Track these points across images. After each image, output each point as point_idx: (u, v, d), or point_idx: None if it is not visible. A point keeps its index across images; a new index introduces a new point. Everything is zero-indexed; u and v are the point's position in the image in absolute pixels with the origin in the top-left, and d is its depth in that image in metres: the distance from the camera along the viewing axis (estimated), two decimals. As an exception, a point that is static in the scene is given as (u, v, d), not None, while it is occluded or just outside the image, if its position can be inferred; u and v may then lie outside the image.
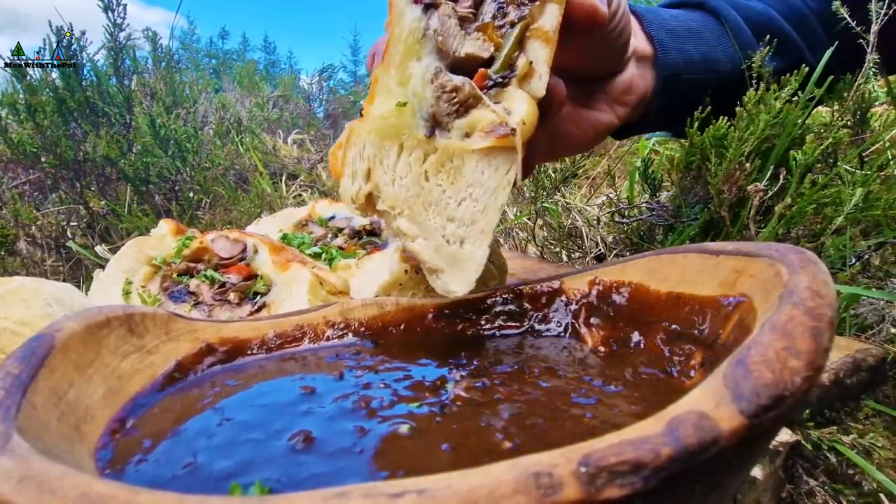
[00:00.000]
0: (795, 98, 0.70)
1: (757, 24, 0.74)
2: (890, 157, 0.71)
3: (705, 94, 0.73)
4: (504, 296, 0.50)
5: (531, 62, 0.44)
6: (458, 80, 0.44)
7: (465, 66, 0.45)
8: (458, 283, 0.45)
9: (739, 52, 0.72)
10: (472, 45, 0.45)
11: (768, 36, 0.73)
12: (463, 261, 0.45)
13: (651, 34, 0.68)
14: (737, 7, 0.75)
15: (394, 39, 0.45)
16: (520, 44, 0.45)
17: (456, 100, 0.43)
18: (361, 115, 0.46)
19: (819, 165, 0.73)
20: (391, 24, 0.45)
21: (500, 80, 0.44)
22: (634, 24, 0.68)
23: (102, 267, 0.77)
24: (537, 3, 0.45)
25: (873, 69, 0.69)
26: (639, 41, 0.67)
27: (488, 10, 0.46)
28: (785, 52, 0.75)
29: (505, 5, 0.45)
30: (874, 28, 0.66)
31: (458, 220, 0.45)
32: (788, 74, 0.70)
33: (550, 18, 0.45)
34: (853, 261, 0.66)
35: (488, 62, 0.45)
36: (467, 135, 0.44)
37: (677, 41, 0.69)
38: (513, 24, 0.45)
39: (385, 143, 0.46)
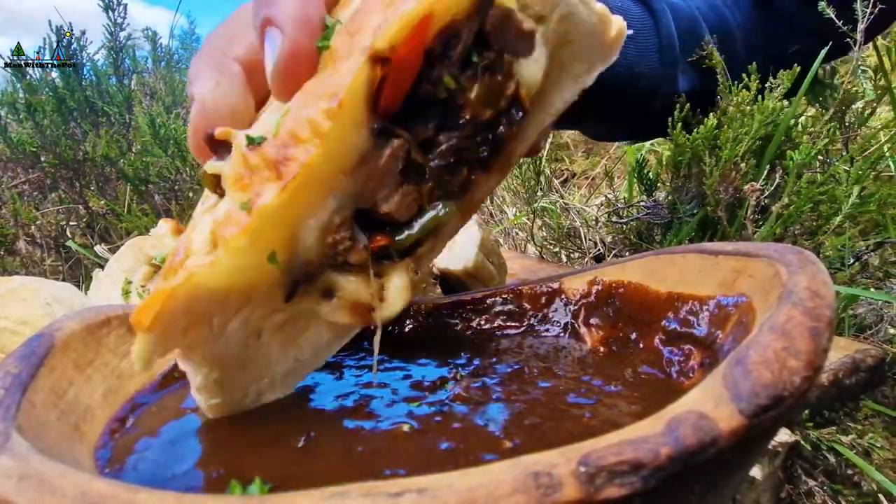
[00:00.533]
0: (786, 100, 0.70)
1: (684, 36, 0.71)
2: (885, 152, 0.71)
3: (616, 99, 0.69)
4: (503, 296, 0.50)
5: (432, 245, 0.38)
6: (360, 238, 0.34)
7: (373, 216, 0.35)
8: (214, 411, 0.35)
9: (665, 68, 0.69)
10: (396, 205, 0.34)
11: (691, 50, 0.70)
12: (244, 404, 0.36)
13: None
14: (677, 14, 0.71)
15: (319, 159, 0.30)
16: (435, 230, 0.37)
17: (341, 257, 0.34)
18: (221, 240, 0.30)
19: (816, 162, 0.73)
20: (328, 135, 0.30)
21: (397, 256, 0.36)
22: None
23: (102, 266, 0.77)
24: (489, 170, 0.37)
25: (861, 68, 0.69)
26: None
27: (438, 158, 0.35)
28: (702, 72, 0.72)
29: (458, 156, 0.35)
30: (861, 27, 0.66)
31: (270, 377, 0.36)
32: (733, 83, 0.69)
33: (486, 188, 0.39)
34: (852, 261, 0.66)
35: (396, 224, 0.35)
36: (328, 291, 0.35)
37: None
38: (452, 195, 0.36)
39: (230, 299, 0.32)
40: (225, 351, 0.33)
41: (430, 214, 0.36)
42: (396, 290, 0.35)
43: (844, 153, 0.71)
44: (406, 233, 0.35)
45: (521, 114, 0.36)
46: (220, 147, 0.33)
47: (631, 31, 0.65)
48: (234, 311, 0.32)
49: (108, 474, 0.30)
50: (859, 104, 0.70)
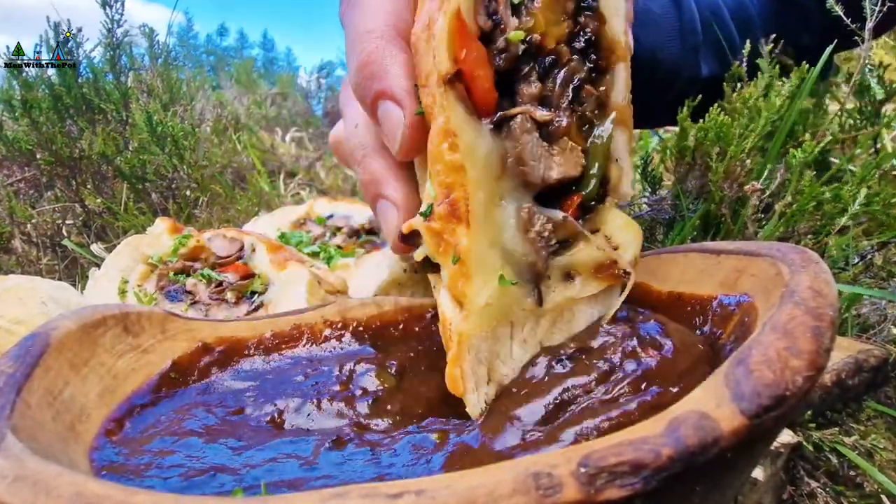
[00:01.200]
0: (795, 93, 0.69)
1: (707, 23, 0.71)
2: (889, 151, 0.71)
3: (637, 85, 0.69)
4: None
5: (617, 160, 0.38)
6: (554, 215, 0.35)
7: (550, 188, 0.36)
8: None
9: (687, 55, 0.70)
10: (562, 165, 0.35)
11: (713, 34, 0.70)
12: None
13: None
14: (699, 1, 0.71)
15: (472, 185, 0.33)
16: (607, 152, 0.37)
17: (554, 242, 0.36)
18: (460, 295, 0.35)
19: (824, 157, 0.72)
20: (463, 163, 0.33)
21: (595, 202, 0.37)
22: None
23: (98, 265, 0.76)
24: (606, 72, 0.37)
25: (869, 66, 0.69)
26: None
27: (559, 98, 0.36)
28: (723, 57, 0.72)
29: (573, 82, 0.35)
30: (869, 25, 0.66)
31: None
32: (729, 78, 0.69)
33: (621, 85, 0.38)
34: (856, 260, 0.66)
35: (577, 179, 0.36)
36: (568, 275, 0.37)
37: (636, 26, 0.66)
38: (593, 116, 0.37)
39: (498, 331, 0.36)
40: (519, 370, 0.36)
41: (596, 150, 0.36)
42: (620, 231, 0.37)
43: (863, 143, 0.71)
44: (589, 181, 0.36)
45: None
46: (411, 238, 0.37)
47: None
48: (509, 339, 0.36)
49: (105, 475, 0.30)
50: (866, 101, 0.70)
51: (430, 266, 0.37)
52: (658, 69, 0.69)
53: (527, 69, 0.35)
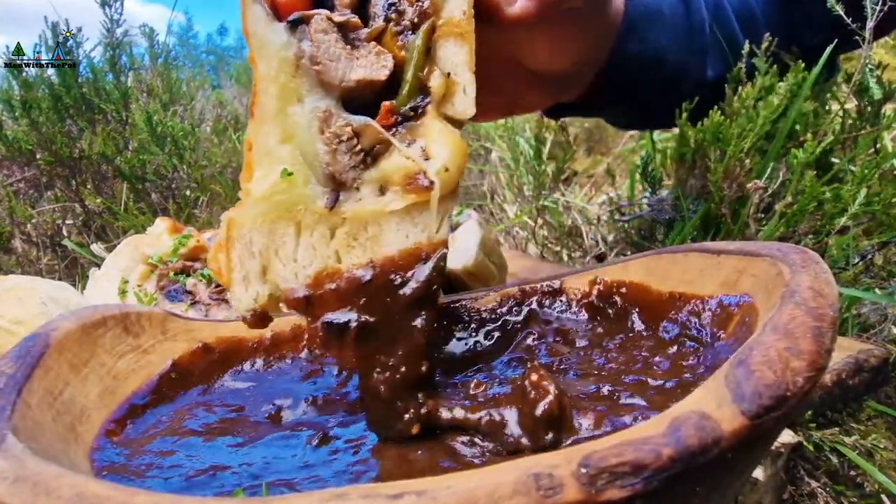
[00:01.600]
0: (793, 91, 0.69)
1: (716, 25, 0.70)
2: (890, 151, 0.71)
3: (642, 86, 0.68)
4: (504, 295, 0.49)
5: (449, 74, 0.35)
6: (356, 121, 0.34)
7: (361, 94, 0.35)
8: None
9: (693, 56, 0.69)
10: (364, 67, 0.34)
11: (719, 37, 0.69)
12: None
13: (626, 13, 0.62)
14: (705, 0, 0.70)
15: (261, 80, 0.34)
16: (427, 52, 0.35)
17: (359, 148, 0.34)
18: (242, 187, 0.35)
19: (830, 156, 0.72)
20: (253, 59, 0.34)
21: (411, 111, 0.34)
22: None
23: (98, 265, 0.76)
24: None
25: (869, 66, 0.69)
26: (614, 9, 0.61)
27: (378, 9, 0.35)
28: (728, 59, 0.72)
29: (397, 2, 0.35)
30: (870, 24, 0.66)
31: None
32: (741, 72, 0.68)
33: (458, 4, 0.35)
34: (857, 260, 0.66)
35: (390, 85, 0.35)
36: (381, 191, 0.34)
37: (644, 26, 0.63)
38: (413, 26, 0.35)
39: (277, 227, 0.34)
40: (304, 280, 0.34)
41: (411, 51, 0.34)
42: (435, 143, 0.34)
43: (861, 144, 0.71)
44: (403, 86, 0.34)
45: None
46: None
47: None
48: (293, 240, 0.34)
49: (106, 476, 0.30)
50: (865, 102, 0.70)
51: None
52: (665, 69, 0.68)
53: None
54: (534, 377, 0.31)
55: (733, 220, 0.72)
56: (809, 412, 0.51)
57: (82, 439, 0.32)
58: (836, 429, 0.50)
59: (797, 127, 0.72)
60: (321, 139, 0.34)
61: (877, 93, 0.67)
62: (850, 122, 0.72)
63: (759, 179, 0.69)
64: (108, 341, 0.38)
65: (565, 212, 1.18)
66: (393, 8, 0.35)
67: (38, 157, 1.24)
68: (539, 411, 0.29)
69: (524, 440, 0.30)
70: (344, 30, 0.35)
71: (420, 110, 0.35)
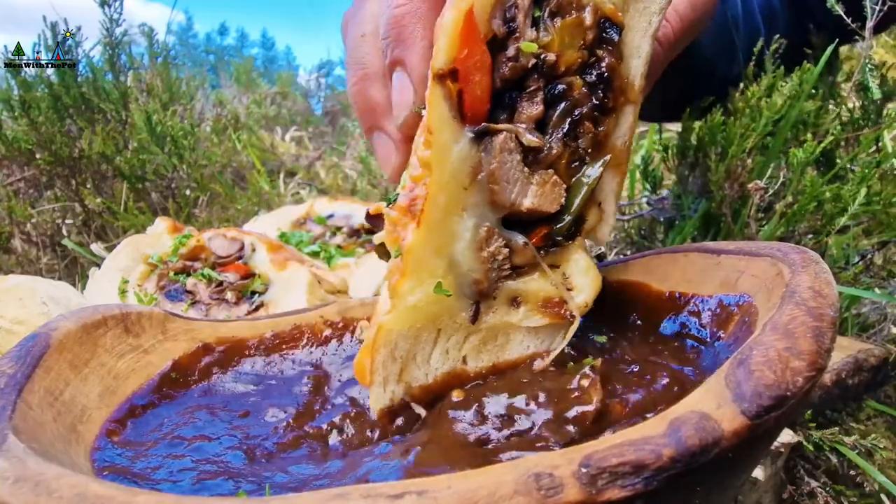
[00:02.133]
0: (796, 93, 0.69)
1: (745, 21, 0.73)
2: (890, 151, 0.71)
3: (680, 78, 0.68)
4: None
5: (600, 204, 0.36)
6: (515, 239, 0.34)
7: (520, 215, 0.35)
8: None
9: (724, 52, 0.71)
10: (538, 197, 0.34)
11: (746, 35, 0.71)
12: None
13: None
14: None
15: (434, 186, 0.32)
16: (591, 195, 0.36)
17: (508, 266, 0.35)
18: (391, 290, 0.35)
19: (818, 162, 0.72)
20: (430, 163, 0.32)
21: (563, 238, 0.35)
22: None
23: (98, 265, 0.76)
24: (611, 112, 0.35)
25: (869, 66, 0.69)
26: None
27: (556, 128, 0.34)
28: (749, 57, 0.74)
29: (574, 114, 0.34)
30: (869, 24, 0.66)
31: None
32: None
33: (625, 128, 0.36)
34: (856, 260, 0.66)
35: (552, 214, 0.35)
36: (514, 300, 0.36)
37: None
38: (585, 153, 0.35)
39: (421, 334, 0.35)
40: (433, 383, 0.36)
41: (580, 188, 0.35)
42: (580, 273, 0.36)
43: (863, 144, 0.71)
44: (565, 218, 0.35)
45: (614, 29, 0.34)
46: (376, 219, 0.36)
47: None
48: (431, 345, 0.36)
49: (107, 476, 0.30)
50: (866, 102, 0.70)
51: (384, 252, 0.36)
52: (698, 62, 0.68)
53: (532, 88, 0.33)
54: (584, 382, 0.31)
55: (734, 220, 0.72)
56: (809, 412, 0.51)
57: (83, 439, 0.32)
58: (836, 428, 0.50)
59: (799, 126, 0.72)
60: (478, 257, 0.34)
61: (876, 93, 0.67)
62: (850, 121, 0.72)
63: (759, 179, 0.69)
64: (109, 341, 0.38)
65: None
66: (572, 132, 0.35)
67: (37, 156, 1.24)
68: (572, 413, 0.30)
69: (544, 432, 0.30)
70: (527, 155, 0.34)
71: (571, 237, 0.36)
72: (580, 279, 0.36)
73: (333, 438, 0.36)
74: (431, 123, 0.32)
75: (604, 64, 0.34)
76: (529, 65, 0.33)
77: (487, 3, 0.31)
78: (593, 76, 0.34)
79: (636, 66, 0.36)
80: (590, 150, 0.35)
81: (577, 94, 0.34)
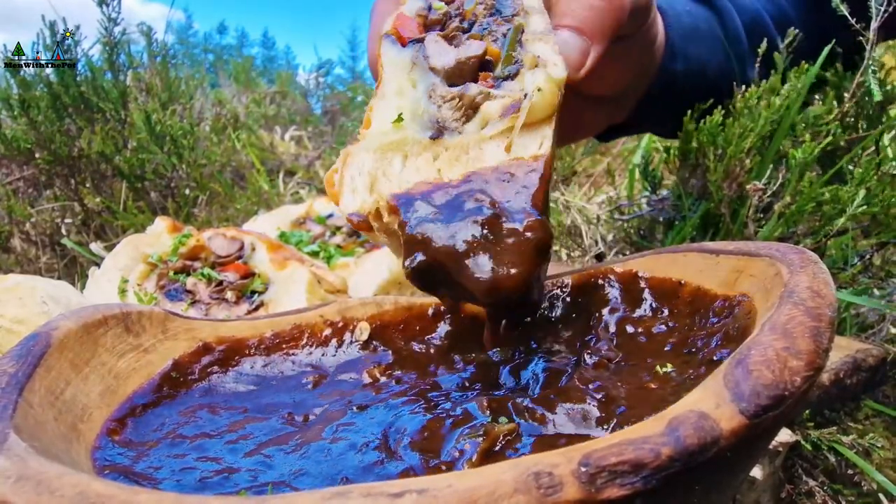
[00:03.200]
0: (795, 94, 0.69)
1: (750, 29, 0.73)
2: (891, 155, 0.71)
3: (688, 97, 0.72)
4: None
5: (536, 55, 0.43)
6: (457, 89, 0.42)
7: (464, 75, 0.43)
8: None
9: (730, 62, 0.72)
10: (461, 50, 0.43)
11: (757, 41, 0.72)
12: None
13: (667, 34, 0.66)
14: (738, 8, 0.74)
15: (385, 80, 0.43)
16: (517, 44, 0.43)
17: (461, 104, 0.41)
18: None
19: (821, 161, 0.73)
20: (380, 65, 0.44)
21: (507, 73, 0.42)
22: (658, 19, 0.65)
23: (98, 265, 0.76)
24: (519, 15, 0.45)
25: (872, 68, 0.69)
26: (658, 37, 0.65)
27: (475, 30, 0.46)
28: (766, 60, 0.75)
29: (490, 24, 0.45)
30: (874, 25, 0.66)
31: None
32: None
33: (539, 23, 0.44)
34: (855, 260, 0.66)
35: (487, 66, 0.43)
36: (484, 127, 0.41)
37: (685, 44, 0.68)
38: (503, 35, 0.44)
39: (386, 155, 0.41)
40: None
41: (504, 41, 0.43)
42: (532, 75, 0.41)
43: (855, 150, 0.71)
44: (499, 64, 0.43)
45: None
46: None
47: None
48: (401, 164, 0.41)
49: (108, 475, 0.30)
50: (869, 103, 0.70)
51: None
52: (707, 80, 0.71)
53: (451, 22, 0.47)
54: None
55: (732, 221, 0.72)
56: (807, 411, 0.51)
57: (84, 438, 0.32)
58: (834, 428, 0.51)
59: (799, 127, 0.72)
60: (429, 101, 0.42)
61: (877, 94, 0.67)
62: (850, 122, 0.72)
63: (758, 180, 0.69)
64: (109, 340, 0.38)
65: (565, 211, 1.19)
66: (488, 30, 0.45)
67: (36, 156, 1.24)
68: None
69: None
70: (449, 39, 0.45)
71: (515, 72, 0.42)
72: (529, 78, 0.42)
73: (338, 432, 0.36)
74: (380, 53, 0.45)
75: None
76: (442, 14, 0.47)
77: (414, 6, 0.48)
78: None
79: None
80: (505, 34, 0.45)
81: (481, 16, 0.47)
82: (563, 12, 0.47)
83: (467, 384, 0.39)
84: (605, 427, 0.29)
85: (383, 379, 0.42)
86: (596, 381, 0.33)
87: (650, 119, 0.75)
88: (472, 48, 0.43)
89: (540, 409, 0.31)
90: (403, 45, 0.45)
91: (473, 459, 0.28)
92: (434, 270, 0.36)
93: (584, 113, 0.64)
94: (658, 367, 0.33)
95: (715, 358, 0.32)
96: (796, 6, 0.80)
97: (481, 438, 0.29)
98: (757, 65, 0.74)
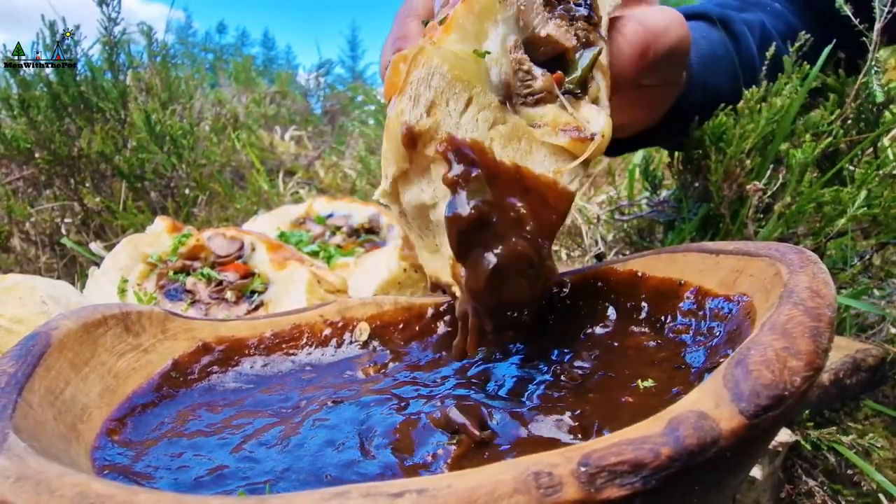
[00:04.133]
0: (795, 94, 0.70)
1: (763, 51, 0.74)
2: (891, 157, 0.71)
3: (698, 115, 0.73)
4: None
5: (599, 89, 0.43)
6: (538, 69, 0.41)
7: (539, 53, 0.42)
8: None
9: (742, 84, 0.72)
10: (555, 28, 0.42)
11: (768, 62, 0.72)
12: None
13: (689, 64, 0.66)
14: (752, 29, 0.74)
15: None
16: (592, 68, 0.43)
17: (530, 86, 0.40)
18: (427, 37, 0.40)
19: (821, 163, 0.73)
20: (387, 77, 0.40)
21: (577, 91, 0.41)
22: None
23: (97, 264, 0.76)
24: (600, 27, 0.44)
25: (875, 69, 0.69)
26: None
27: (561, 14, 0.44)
28: (775, 78, 0.75)
29: (574, 20, 0.43)
30: (877, 26, 0.66)
31: None
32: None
33: (603, 54, 0.44)
34: (855, 261, 0.66)
35: (563, 66, 0.42)
36: (536, 126, 0.41)
37: (703, 73, 0.68)
38: (583, 43, 0.43)
39: (456, 84, 0.39)
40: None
41: (584, 57, 0.42)
42: (593, 112, 0.41)
43: (854, 152, 0.71)
44: (573, 73, 0.42)
45: None
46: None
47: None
48: (464, 104, 0.39)
49: (107, 475, 0.30)
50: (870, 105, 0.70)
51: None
52: (719, 103, 0.72)
53: None
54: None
55: (732, 221, 0.72)
56: (807, 411, 0.51)
57: (83, 438, 0.32)
58: (834, 428, 0.51)
59: (801, 128, 0.72)
60: (508, 57, 0.40)
61: (879, 95, 0.67)
62: (850, 123, 0.72)
63: (758, 181, 0.69)
64: (109, 340, 0.38)
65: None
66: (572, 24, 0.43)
67: (36, 155, 1.24)
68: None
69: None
70: (550, 5, 0.43)
71: (580, 95, 0.42)
72: (593, 115, 0.41)
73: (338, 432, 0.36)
74: None
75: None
76: None
77: None
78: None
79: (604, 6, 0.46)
80: (587, 45, 0.43)
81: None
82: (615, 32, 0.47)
83: (452, 385, 0.39)
84: (578, 437, 0.30)
85: (374, 376, 0.42)
86: (574, 393, 0.33)
87: (658, 137, 0.75)
88: (564, 34, 0.42)
89: (516, 416, 0.31)
90: None
91: (448, 462, 0.29)
92: (481, 228, 0.37)
93: None
94: (639, 382, 0.33)
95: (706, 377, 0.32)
96: (804, 21, 0.80)
97: (454, 446, 0.29)
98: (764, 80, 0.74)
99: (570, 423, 0.30)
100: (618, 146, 0.76)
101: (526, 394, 0.35)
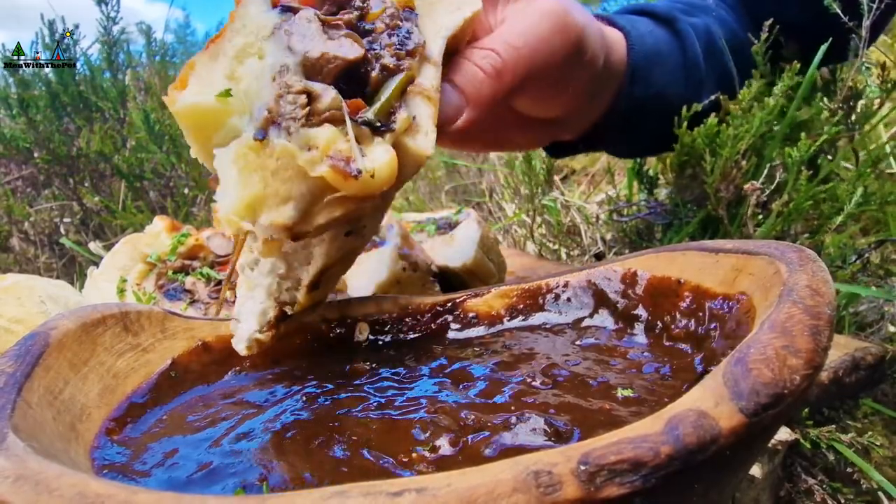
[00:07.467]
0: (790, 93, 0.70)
1: (709, 56, 0.73)
2: (888, 151, 0.71)
3: (646, 121, 0.72)
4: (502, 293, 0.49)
5: (413, 117, 0.39)
6: (319, 87, 0.36)
7: (323, 76, 0.37)
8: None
9: (688, 88, 0.71)
10: (332, 47, 0.37)
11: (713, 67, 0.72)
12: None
13: (629, 57, 0.65)
14: (697, 32, 0.73)
15: (230, 31, 0.37)
16: (401, 95, 0.39)
17: (308, 107, 0.36)
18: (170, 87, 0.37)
19: (818, 160, 0.73)
20: (232, 15, 0.38)
21: (378, 125, 0.37)
22: (616, 40, 0.64)
23: (96, 264, 0.76)
24: (415, 57, 0.40)
25: (865, 65, 0.69)
26: (616, 58, 0.64)
27: (366, 43, 0.40)
28: (724, 86, 0.74)
29: (382, 47, 0.40)
30: (866, 23, 0.66)
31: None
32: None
33: (430, 78, 0.41)
34: (853, 258, 0.66)
35: (364, 96, 0.38)
36: (308, 148, 0.35)
37: (647, 69, 0.67)
38: (391, 71, 0.39)
39: (208, 122, 0.36)
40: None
41: (388, 85, 0.38)
42: (380, 152, 0.36)
43: (847, 149, 0.71)
44: (376, 104, 0.38)
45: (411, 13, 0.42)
46: None
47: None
48: (221, 129, 0.36)
49: (106, 475, 0.30)
50: (863, 101, 0.70)
51: None
52: (664, 105, 0.71)
53: (347, 13, 0.41)
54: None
55: (730, 222, 0.72)
56: (806, 410, 0.51)
57: (82, 438, 0.32)
58: (833, 426, 0.51)
59: (794, 126, 0.72)
60: (270, 85, 0.36)
61: (875, 91, 0.68)
62: (840, 119, 0.72)
63: (755, 181, 0.69)
64: (108, 340, 0.38)
65: (563, 210, 1.18)
66: (374, 53, 0.40)
67: (35, 155, 1.24)
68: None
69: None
70: (326, 25, 0.39)
71: (382, 130, 0.37)
72: (378, 154, 0.36)
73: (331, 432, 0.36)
74: (239, 7, 0.38)
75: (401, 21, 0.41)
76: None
77: None
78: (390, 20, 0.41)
79: (432, 39, 0.43)
80: (394, 71, 0.40)
81: (378, 24, 0.41)
82: (457, 69, 0.45)
83: (428, 385, 0.39)
84: (553, 441, 0.29)
85: (366, 373, 0.42)
86: (552, 398, 0.33)
87: (605, 140, 0.74)
88: (344, 48, 0.37)
89: (488, 420, 0.31)
90: (273, 6, 0.38)
91: (430, 461, 0.29)
92: None
93: (520, 130, 0.63)
94: (619, 390, 0.33)
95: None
96: (744, 27, 0.79)
97: (432, 452, 0.29)
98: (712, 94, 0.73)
99: (545, 428, 0.30)
100: (560, 149, 0.75)
101: (490, 395, 0.35)
